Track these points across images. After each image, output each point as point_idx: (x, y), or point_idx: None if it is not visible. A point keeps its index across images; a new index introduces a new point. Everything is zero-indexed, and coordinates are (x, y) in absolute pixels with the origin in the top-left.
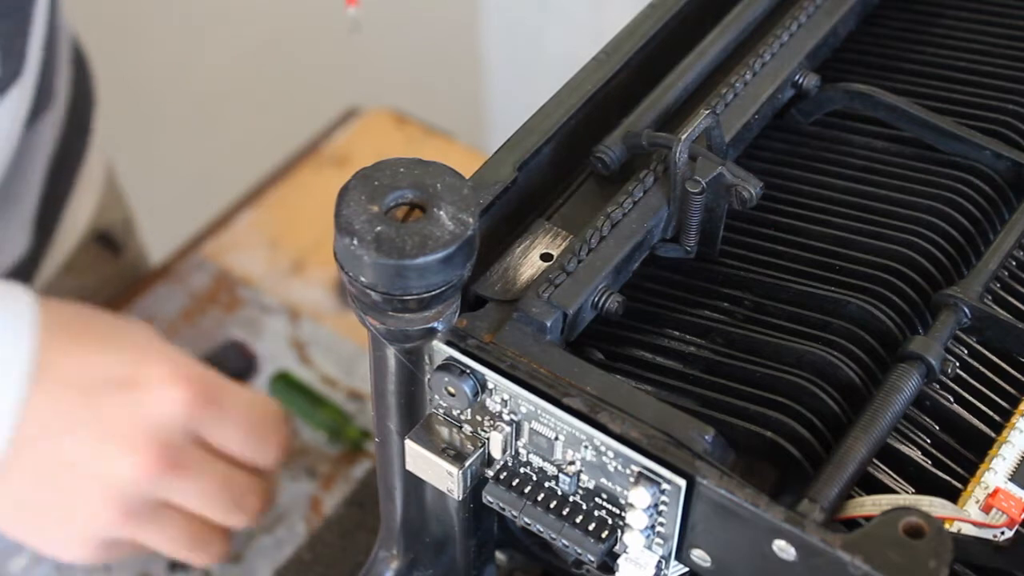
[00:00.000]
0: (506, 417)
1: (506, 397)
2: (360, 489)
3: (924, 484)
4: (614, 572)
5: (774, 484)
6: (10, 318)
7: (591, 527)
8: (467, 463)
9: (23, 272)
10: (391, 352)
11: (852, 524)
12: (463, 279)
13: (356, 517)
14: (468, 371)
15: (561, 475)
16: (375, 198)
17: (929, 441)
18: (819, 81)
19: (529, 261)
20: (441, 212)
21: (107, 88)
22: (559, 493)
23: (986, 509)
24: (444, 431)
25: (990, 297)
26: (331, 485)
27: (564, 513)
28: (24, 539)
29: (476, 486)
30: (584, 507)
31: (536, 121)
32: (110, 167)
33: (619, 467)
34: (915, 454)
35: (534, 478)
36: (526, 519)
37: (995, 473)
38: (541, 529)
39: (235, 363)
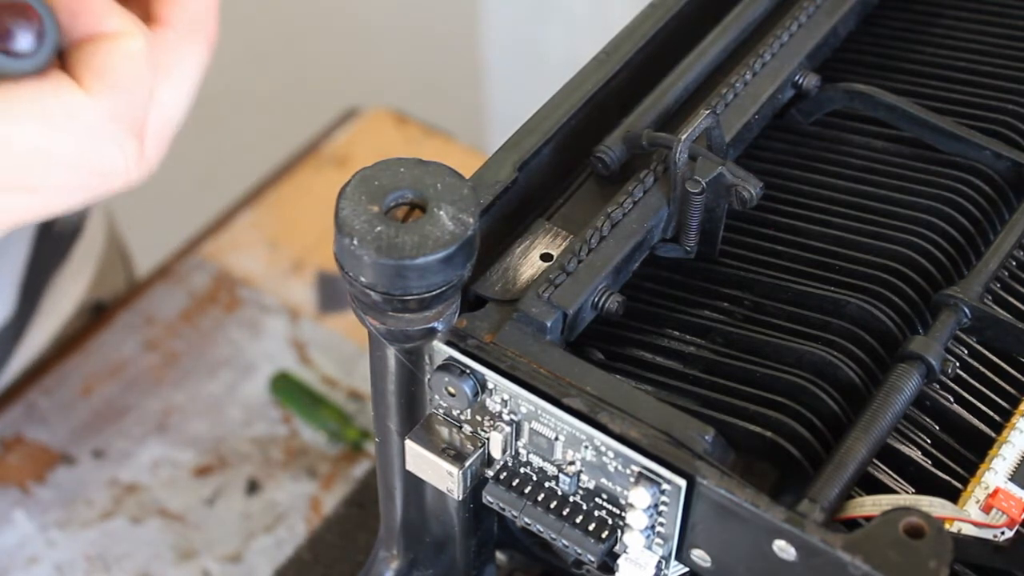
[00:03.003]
0: (506, 417)
1: (506, 397)
2: (360, 489)
3: (924, 484)
4: (614, 572)
5: (774, 484)
6: None
7: (591, 527)
8: (467, 463)
9: (6, 338)
10: (391, 352)
11: (852, 524)
12: (463, 279)
13: (356, 517)
14: (468, 371)
15: (561, 475)
16: (375, 198)
17: (929, 441)
18: (819, 81)
19: (529, 261)
20: (441, 212)
21: None
22: (559, 493)
23: (986, 509)
24: (444, 431)
25: (990, 297)
26: (331, 485)
27: (564, 513)
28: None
29: (476, 486)
30: (584, 507)
31: (536, 121)
32: (116, 233)
33: (619, 467)
34: (915, 454)
35: (534, 478)
36: (526, 519)
37: (995, 473)
38: (541, 529)
39: None
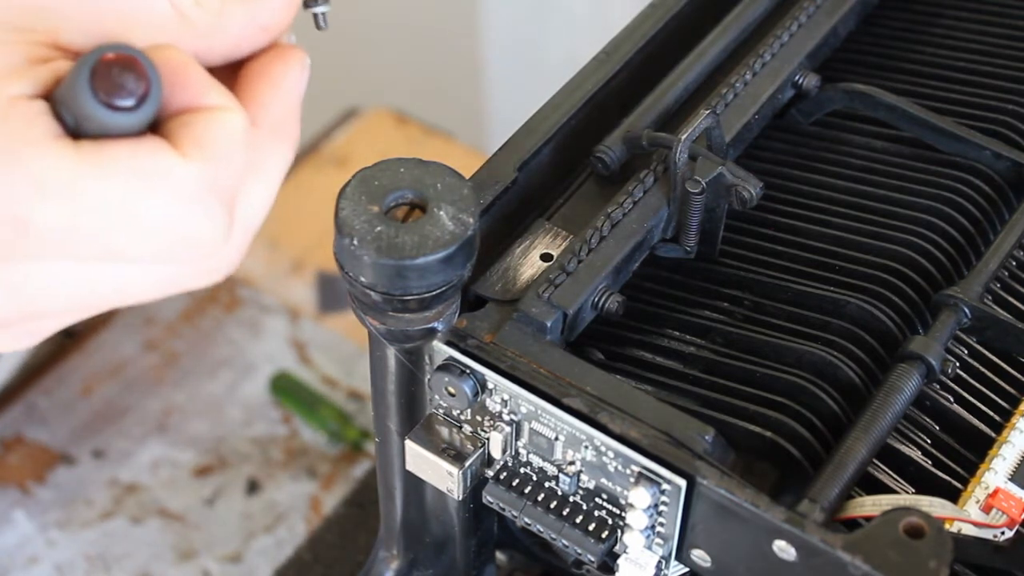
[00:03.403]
0: (506, 417)
1: (506, 397)
2: (360, 489)
3: (924, 484)
4: (614, 572)
5: (774, 484)
6: None
7: (591, 527)
8: (467, 463)
9: None
10: (391, 352)
11: (852, 524)
12: (463, 279)
13: (356, 517)
14: (468, 371)
15: (561, 475)
16: (375, 198)
17: (929, 441)
18: (819, 81)
19: (529, 261)
20: (441, 212)
21: None
22: (559, 493)
23: (986, 509)
24: (444, 431)
25: (990, 297)
26: (331, 485)
27: (564, 513)
28: None
29: (476, 486)
30: (584, 507)
31: (536, 121)
32: None
33: (619, 467)
34: (915, 454)
35: (534, 478)
36: (526, 519)
37: (995, 473)
38: (541, 529)
39: None
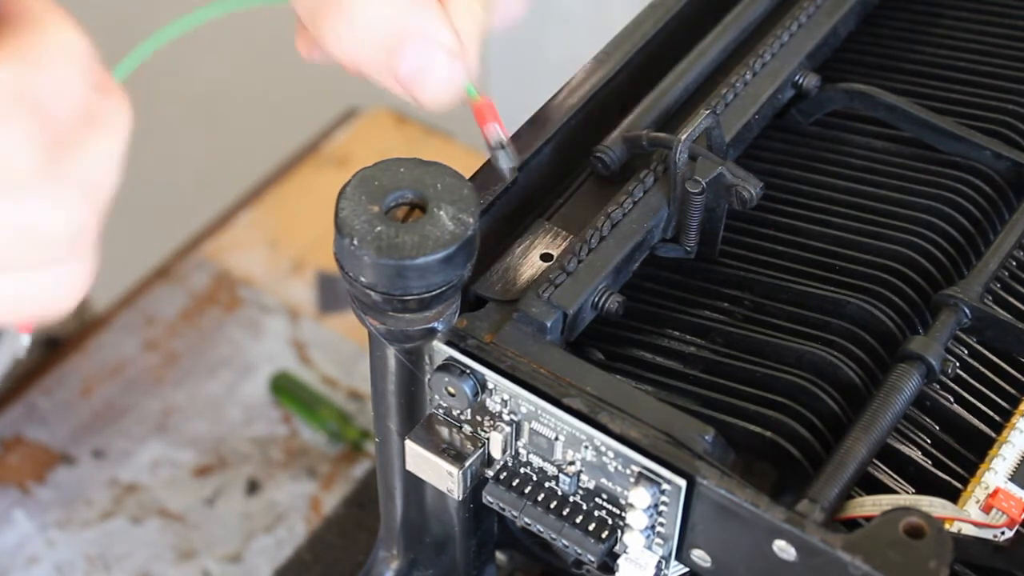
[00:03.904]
0: (506, 417)
1: (506, 397)
2: (360, 489)
3: (924, 484)
4: (614, 572)
5: (774, 484)
6: None
7: (591, 527)
8: (467, 463)
9: None
10: (391, 352)
11: (852, 524)
12: (463, 279)
13: (356, 517)
14: (468, 371)
15: (561, 475)
16: (375, 198)
17: (929, 441)
18: (819, 81)
19: (529, 261)
20: (441, 212)
21: None
22: (559, 493)
23: (986, 509)
24: (444, 431)
25: (990, 297)
26: (331, 485)
27: (564, 513)
28: None
29: (476, 486)
30: (584, 507)
31: (536, 121)
32: None
33: (619, 467)
34: (915, 454)
35: (534, 478)
36: (526, 519)
37: (995, 473)
38: (541, 529)
39: None
